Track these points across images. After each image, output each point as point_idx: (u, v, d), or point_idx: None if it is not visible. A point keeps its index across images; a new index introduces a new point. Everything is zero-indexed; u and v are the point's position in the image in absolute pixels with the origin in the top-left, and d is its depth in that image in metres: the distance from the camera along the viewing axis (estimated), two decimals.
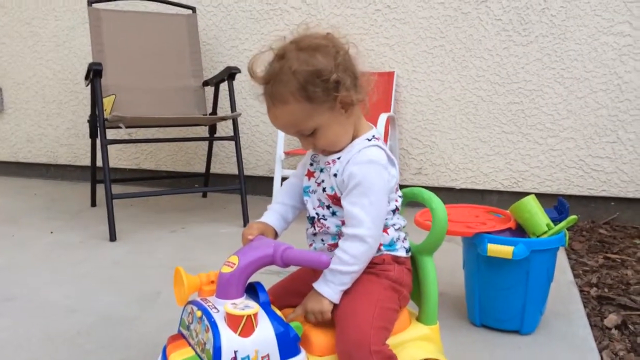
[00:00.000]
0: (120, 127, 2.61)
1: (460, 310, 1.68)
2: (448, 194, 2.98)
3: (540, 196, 1.74)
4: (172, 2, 3.18)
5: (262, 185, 3.29)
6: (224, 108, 3.16)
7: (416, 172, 3.05)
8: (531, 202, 1.53)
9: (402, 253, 1.10)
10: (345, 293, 1.03)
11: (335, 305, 1.02)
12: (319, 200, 1.09)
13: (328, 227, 1.07)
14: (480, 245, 1.47)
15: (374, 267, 1.06)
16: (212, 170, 3.33)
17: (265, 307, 0.95)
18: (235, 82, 2.85)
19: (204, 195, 3.37)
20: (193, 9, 3.18)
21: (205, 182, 3.32)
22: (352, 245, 1.00)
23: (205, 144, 3.30)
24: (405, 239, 1.12)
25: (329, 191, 1.07)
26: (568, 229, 2.58)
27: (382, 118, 2.61)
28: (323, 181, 1.08)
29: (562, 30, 2.73)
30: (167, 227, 2.66)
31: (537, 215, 1.52)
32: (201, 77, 3.11)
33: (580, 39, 2.72)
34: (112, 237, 2.41)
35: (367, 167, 1.01)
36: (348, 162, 1.03)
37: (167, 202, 3.16)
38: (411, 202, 1.17)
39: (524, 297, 1.50)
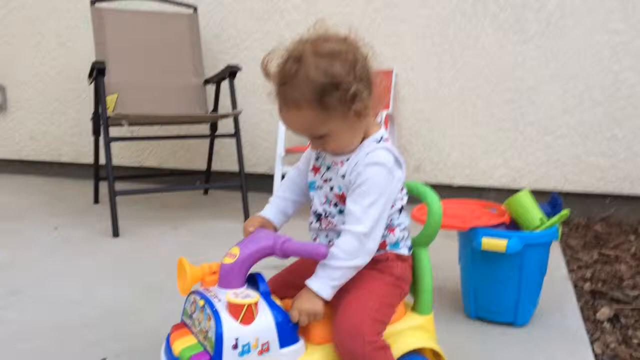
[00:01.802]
0: (122, 125, 2.66)
1: (457, 303, 1.72)
2: (446, 190, 3.02)
3: (537, 193, 1.77)
4: (173, 2, 3.22)
5: (263, 183, 3.33)
6: (225, 106, 3.19)
7: (415, 169, 3.09)
8: (525, 197, 1.57)
9: (405, 251, 1.12)
10: (348, 288, 1.04)
11: (335, 299, 1.03)
12: (326, 197, 1.10)
13: (335, 225, 1.09)
14: (475, 239, 1.51)
15: (377, 264, 1.08)
16: (214, 167, 3.37)
17: (266, 296, 0.99)
18: (236, 80, 2.88)
19: (205, 192, 3.41)
20: (194, 8, 3.22)
21: (206, 179, 3.36)
22: (346, 240, 1.01)
23: (207, 141, 3.34)
24: (408, 237, 1.15)
25: (336, 190, 1.08)
26: (563, 225, 2.62)
27: (381, 116, 2.65)
28: (331, 179, 1.09)
29: (558, 28, 2.77)
30: (169, 223, 2.70)
31: (531, 210, 1.56)
32: (202, 75, 3.14)
33: (575, 37, 2.75)
34: (115, 233, 2.46)
35: (373, 169, 1.02)
36: (356, 163, 1.04)
37: (169, 199, 3.20)
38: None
39: (517, 290, 1.54)
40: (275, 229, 1.16)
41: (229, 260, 0.98)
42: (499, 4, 2.84)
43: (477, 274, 1.59)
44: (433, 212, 1.14)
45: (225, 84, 2.97)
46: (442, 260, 1.89)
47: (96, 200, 3.10)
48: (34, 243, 2.38)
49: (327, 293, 1.01)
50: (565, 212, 1.55)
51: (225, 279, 0.98)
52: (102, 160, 2.72)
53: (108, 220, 2.51)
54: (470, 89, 2.95)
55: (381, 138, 1.07)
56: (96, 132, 2.93)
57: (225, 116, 2.87)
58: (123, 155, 3.65)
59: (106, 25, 3.00)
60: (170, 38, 3.11)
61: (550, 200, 1.67)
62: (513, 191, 1.69)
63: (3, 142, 3.94)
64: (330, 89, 0.96)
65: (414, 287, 1.18)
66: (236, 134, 2.78)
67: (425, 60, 3.00)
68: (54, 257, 2.20)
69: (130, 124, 2.73)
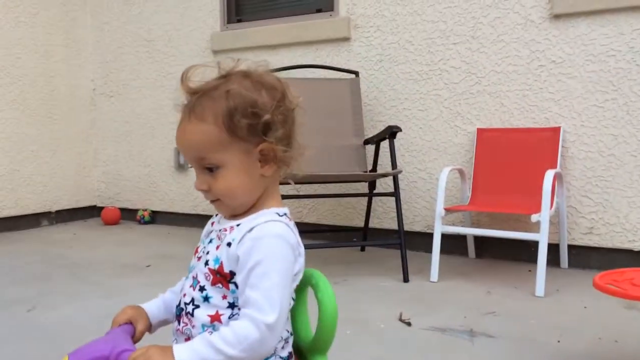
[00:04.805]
0: (289, 184, 2.84)
1: None
2: (625, 255, 2.74)
3: None
4: (337, 68, 3.43)
5: (418, 241, 3.31)
6: (382, 165, 3.27)
7: (587, 231, 2.86)
8: None
9: None
10: None
11: None
12: (194, 278, 0.90)
13: (193, 326, 0.86)
14: None
15: None
16: (370, 224, 3.43)
17: None
18: (394, 140, 2.95)
19: (362, 249, 3.47)
20: (356, 73, 3.40)
21: (364, 236, 3.42)
22: (243, 325, 0.80)
23: (364, 199, 3.43)
24: (286, 346, 0.92)
25: (211, 264, 0.87)
26: None
27: (549, 174, 2.52)
28: (208, 252, 0.90)
29: None
30: (330, 278, 2.74)
31: None
32: (362, 136, 3.27)
33: None
34: None
35: (273, 241, 0.85)
36: (251, 230, 0.86)
37: (328, 255, 3.31)
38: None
39: None
40: (151, 325, 0.96)
41: None
42: None
43: None
44: (326, 311, 0.87)
45: (384, 144, 3.05)
46: (628, 334, 1.70)
47: None
48: None
49: None
50: None
51: None
52: None
53: None
54: None
55: (285, 214, 0.91)
56: None
57: (385, 175, 2.94)
58: None
59: None
60: (333, 102, 3.30)
61: None
62: None
63: (183, 198, 4.41)
64: (243, 110, 0.85)
65: None
66: (395, 193, 2.82)
67: (597, 116, 2.82)
68: None
69: (296, 182, 2.91)
